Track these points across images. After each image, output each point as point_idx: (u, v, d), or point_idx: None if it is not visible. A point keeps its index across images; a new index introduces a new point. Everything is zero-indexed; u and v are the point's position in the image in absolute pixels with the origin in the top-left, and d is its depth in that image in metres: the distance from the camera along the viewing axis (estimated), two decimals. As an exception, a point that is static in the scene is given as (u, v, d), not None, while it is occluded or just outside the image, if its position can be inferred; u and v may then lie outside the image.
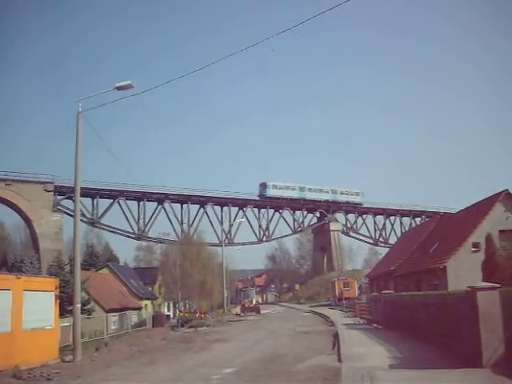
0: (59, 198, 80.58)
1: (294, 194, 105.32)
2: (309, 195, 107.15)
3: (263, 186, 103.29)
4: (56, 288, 21.89)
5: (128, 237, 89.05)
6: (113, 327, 41.62)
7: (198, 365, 17.72)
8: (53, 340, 21.40)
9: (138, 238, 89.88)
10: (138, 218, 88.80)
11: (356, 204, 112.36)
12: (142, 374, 16.35)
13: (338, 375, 12.93)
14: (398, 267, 41.17)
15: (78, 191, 23.45)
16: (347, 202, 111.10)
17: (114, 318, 43.66)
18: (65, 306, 29.22)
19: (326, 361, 16.59)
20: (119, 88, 21.74)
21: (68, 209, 79.67)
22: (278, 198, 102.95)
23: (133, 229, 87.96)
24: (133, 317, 47.35)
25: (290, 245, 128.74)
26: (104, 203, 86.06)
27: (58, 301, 22.06)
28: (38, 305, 20.06)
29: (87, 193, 76.83)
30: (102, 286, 51.58)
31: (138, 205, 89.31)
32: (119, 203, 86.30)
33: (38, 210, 76.59)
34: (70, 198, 78.97)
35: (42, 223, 76.60)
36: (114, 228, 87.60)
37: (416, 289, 32.65)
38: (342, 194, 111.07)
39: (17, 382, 15.28)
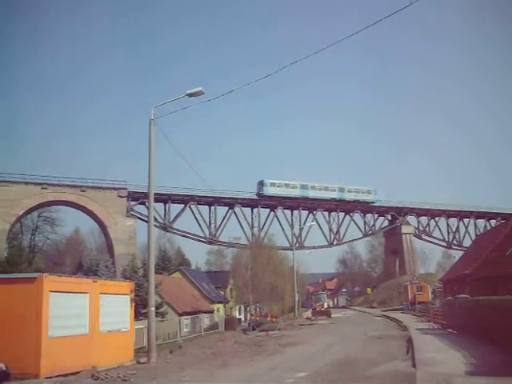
0: (132, 203, 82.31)
1: (296, 193, 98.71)
2: (312, 194, 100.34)
3: (261, 184, 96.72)
4: (131, 291, 22.43)
5: (199, 241, 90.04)
6: (185, 330, 42.23)
7: (270, 368, 17.74)
8: (128, 342, 21.94)
9: (210, 242, 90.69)
10: (210, 223, 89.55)
11: (368, 203, 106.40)
12: (215, 376, 16.47)
13: (413, 381, 12.66)
14: (473, 271, 40.04)
15: (152, 197, 23.85)
16: (357, 201, 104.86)
17: (186, 321, 44.31)
18: (138, 309, 29.89)
19: (400, 366, 16.29)
20: (190, 95, 22.15)
21: (141, 214, 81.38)
22: (278, 197, 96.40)
23: (204, 233, 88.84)
24: (205, 320, 47.89)
25: (361, 248, 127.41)
26: (176, 208, 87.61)
27: (133, 304, 22.59)
28: (114, 308, 20.62)
29: (159, 198, 78.13)
30: (174, 290, 52.47)
31: (209, 209, 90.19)
32: (191, 208, 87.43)
33: (112, 215, 78.59)
34: (142, 203, 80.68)
35: (116, 228, 78.51)
36: (186, 232, 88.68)
37: (493, 293, 31.65)
38: (350, 192, 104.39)
39: (94, 383, 15.66)
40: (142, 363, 20.56)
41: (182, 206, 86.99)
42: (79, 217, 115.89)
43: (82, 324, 18.63)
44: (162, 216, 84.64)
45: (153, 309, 22.33)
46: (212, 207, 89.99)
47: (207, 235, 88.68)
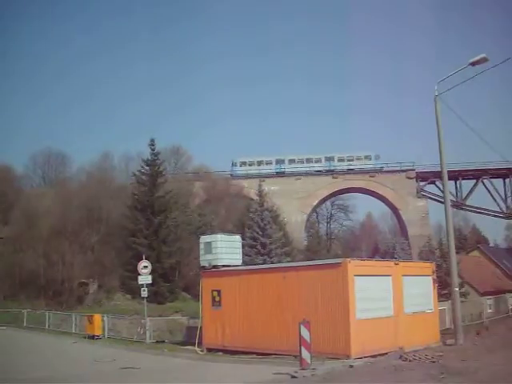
0: (421, 183, 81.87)
1: (272, 169, 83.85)
2: (292, 168, 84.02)
3: (231, 164, 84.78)
4: (433, 272, 22.33)
5: (496, 216, 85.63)
6: (488, 310, 40.85)
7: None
8: (433, 323, 21.80)
9: (507, 217, 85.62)
10: (505, 196, 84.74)
11: (370, 170, 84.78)
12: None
13: None
14: None
15: (446, 175, 23.36)
16: (352, 170, 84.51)
17: (489, 301, 42.86)
18: (438, 290, 29.68)
19: None
20: (473, 64, 21.09)
21: (431, 193, 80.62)
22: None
23: (500, 208, 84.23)
24: (510, 300, 45.73)
25: None
26: (467, 184, 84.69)
27: (436, 285, 22.50)
28: (417, 289, 20.65)
29: (449, 175, 75.95)
30: (473, 269, 51.02)
31: (504, 182, 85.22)
32: (483, 182, 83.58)
33: (402, 197, 79.48)
34: (431, 182, 79.85)
35: (407, 210, 79.31)
36: (480, 209, 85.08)
37: None
38: (341, 161, 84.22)
39: (403, 363, 15.82)
40: (449, 345, 20.33)
41: (474, 181, 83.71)
42: (369, 202, 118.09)
43: (387, 306, 19.08)
44: (454, 194, 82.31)
45: (457, 289, 21.92)
46: (507, 180, 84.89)
47: (504, 210, 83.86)
